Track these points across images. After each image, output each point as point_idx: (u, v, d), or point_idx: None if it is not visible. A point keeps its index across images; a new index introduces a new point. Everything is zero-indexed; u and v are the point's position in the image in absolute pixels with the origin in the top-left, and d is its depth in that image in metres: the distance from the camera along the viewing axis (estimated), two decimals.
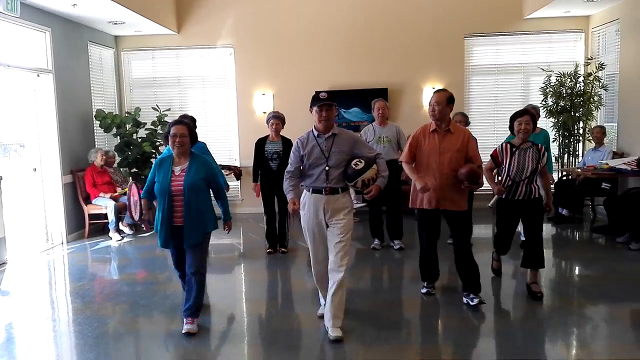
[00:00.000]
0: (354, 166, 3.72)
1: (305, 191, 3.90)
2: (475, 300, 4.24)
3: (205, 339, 3.88)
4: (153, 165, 4.04)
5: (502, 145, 4.51)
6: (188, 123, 3.96)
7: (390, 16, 8.47)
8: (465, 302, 4.30)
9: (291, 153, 3.92)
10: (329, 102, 3.75)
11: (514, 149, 4.41)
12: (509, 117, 4.58)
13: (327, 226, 3.80)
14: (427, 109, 8.39)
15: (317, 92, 3.83)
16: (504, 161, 4.44)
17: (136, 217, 4.47)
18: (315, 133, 3.83)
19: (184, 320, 3.93)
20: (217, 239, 6.83)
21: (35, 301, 4.88)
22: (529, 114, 4.46)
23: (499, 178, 4.58)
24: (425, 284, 4.62)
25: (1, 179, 5.86)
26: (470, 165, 4.16)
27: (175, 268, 4.22)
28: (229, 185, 6.18)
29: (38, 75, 6.72)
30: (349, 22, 8.50)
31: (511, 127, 4.51)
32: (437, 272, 4.60)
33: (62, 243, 6.99)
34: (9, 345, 3.91)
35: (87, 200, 7.21)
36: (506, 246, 4.76)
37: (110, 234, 7.12)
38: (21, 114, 6.82)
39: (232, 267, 6.02)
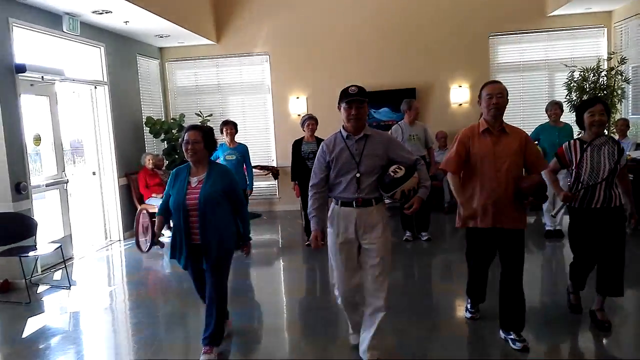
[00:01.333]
0: (392, 174, 3.17)
1: (332, 204, 3.38)
2: (519, 345, 3.51)
3: (248, 321, 4.39)
4: (169, 178, 3.68)
5: (569, 142, 3.80)
6: (203, 128, 3.63)
7: (417, 19, 8.85)
8: (504, 338, 3.67)
9: (315, 160, 3.41)
10: (359, 97, 3.21)
11: (585, 146, 3.68)
12: (576, 109, 3.87)
13: (360, 245, 3.31)
14: (455, 106, 8.97)
15: (347, 87, 3.28)
16: (573, 161, 3.72)
17: (145, 248, 3.70)
18: (344, 134, 3.30)
19: (203, 349, 3.62)
20: (258, 235, 7.40)
21: (98, 291, 5.48)
22: (602, 102, 3.74)
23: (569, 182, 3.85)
24: (469, 306, 4.03)
25: (68, 182, 6.53)
26: (535, 176, 3.47)
27: (197, 291, 3.85)
28: (252, 190, 6.69)
29: (95, 87, 7.40)
30: (377, 26, 8.91)
31: (579, 121, 3.78)
32: (484, 294, 3.98)
33: (119, 240, 7.66)
34: (76, 329, 4.48)
35: (141, 201, 7.86)
36: (585, 275, 3.92)
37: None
38: (82, 123, 7.53)
39: (272, 260, 6.51)
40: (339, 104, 3.30)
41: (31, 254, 5.19)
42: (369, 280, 3.26)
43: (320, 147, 3.38)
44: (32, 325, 4.49)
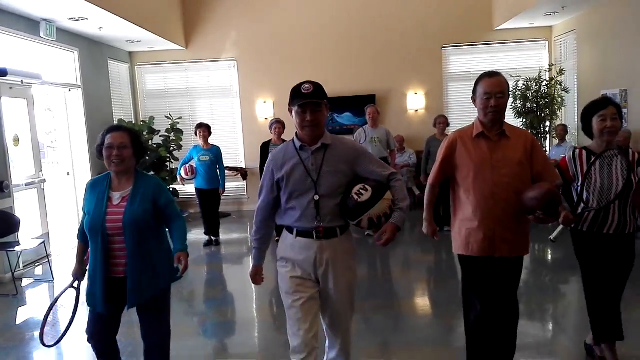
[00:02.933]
0: (356, 196, 2.45)
1: (285, 233, 2.63)
2: None
3: (223, 316, 4.79)
4: (85, 192, 2.81)
5: (574, 152, 3.07)
6: (130, 129, 2.79)
7: (376, 29, 9.44)
8: None
9: (263, 176, 2.63)
10: (315, 98, 2.46)
11: (594, 158, 2.94)
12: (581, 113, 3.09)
13: (319, 283, 2.57)
14: (411, 112, 9.62)
15: (299, 84, 2.51)
16: (578, 176, 3.01)
17: (48, 342, 2.88)
18: (298, 145, 2.53)
19: None
20: (227, 235, 7.80)
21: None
22: (614, 104, 2.97)
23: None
24: None
25: (45, 181, 6.76)
26: (544, 184, 2.69)
27: (90, 337, 2.84)
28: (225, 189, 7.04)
29: (69, 90, 7.65)
30: (341, 35, 9.46)
31: (587, 127, 3.04)
32: None
33: None
34: (54, 325, 4.75)
35: None
36: (616, 313, 3.04)
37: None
38: (56, 124, 7.75)
39: (242, 257, 6.91)
40: (289, 106, 2.54)
41: (17, 249, 5.46)
42: (327, 330, 2.66)
43: (268, 159, 2.63)
44: (21, 315, 4.78)
